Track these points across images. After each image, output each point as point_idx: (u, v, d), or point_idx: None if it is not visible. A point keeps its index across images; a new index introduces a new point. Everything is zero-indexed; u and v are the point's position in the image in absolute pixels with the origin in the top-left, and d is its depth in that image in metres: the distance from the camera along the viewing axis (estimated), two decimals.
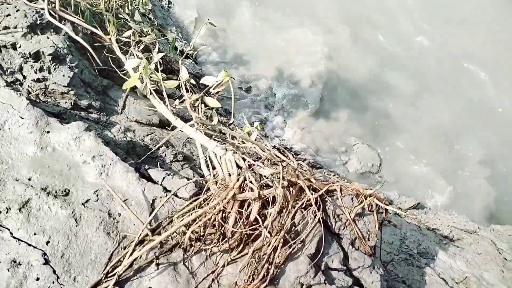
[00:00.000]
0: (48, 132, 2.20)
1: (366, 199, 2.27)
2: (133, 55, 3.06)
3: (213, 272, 1.87)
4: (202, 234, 1.91)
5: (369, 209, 2.32)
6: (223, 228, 1.92)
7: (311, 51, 5.43)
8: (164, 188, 2.13)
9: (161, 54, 2.91)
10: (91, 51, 2.94)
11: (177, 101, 2.86)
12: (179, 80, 2.85)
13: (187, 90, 2.88)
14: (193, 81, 2.89)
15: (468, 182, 4.40)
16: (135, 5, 3.75)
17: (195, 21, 5.24)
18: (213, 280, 1.86)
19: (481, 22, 6.36)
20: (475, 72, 5.59)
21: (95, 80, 3.01)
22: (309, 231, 2.04)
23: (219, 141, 2.48)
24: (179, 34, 4.84)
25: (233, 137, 2.47)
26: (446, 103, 5.15)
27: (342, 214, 2.21)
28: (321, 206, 2.12)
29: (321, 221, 2.11)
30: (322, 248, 2.05)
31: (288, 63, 5.26)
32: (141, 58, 2.87)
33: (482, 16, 6.46)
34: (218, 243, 1.91)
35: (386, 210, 2.37)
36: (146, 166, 2.26)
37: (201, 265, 1.90)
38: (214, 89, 2.64)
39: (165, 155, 2.56)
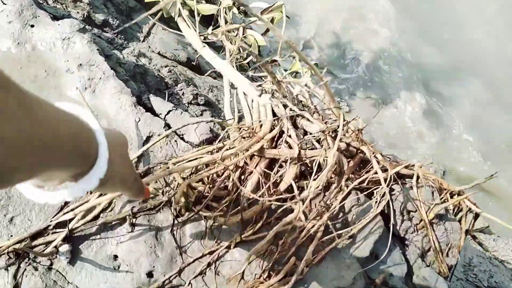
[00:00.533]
0: (32, 26, 1.64)
1: (452, 197, 1.56)
2: None
3: (211, 253, 1.24)
4: (206, 194, 1.27)
5: (455, 212, 1.61)
6: (236, 193, 1.28)
7: (380, 29, 4.65)
8: (167, 125, 1.50)
9: None
10: None
11: (210, 29, 2.23)
12: (219, 5, 2.23)
13: (226, 22, 2.25)
14: (235, 11, 2.25)
15: None
16: None
17: None
18: (209, 265, 1.23)
19: None
20: None
21: None
22: (366, 224, 1.36)
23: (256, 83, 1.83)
24: None
25: (273, 75, 1.80)
26: None
27: (415, 212, 1.50)
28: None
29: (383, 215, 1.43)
30: (380, 254, 1.36)
31: (351, 35, 4.52)
32: None
33: None
34: (227, 213, 1.26)
35: (476, 218, 1.64)
36: (151, 95, 1.64)
37: (196, 240, 1.26)
38: (261, 13, 2.01)
39: (183, 94, 1.94)
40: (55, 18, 1.89)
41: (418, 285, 1.44)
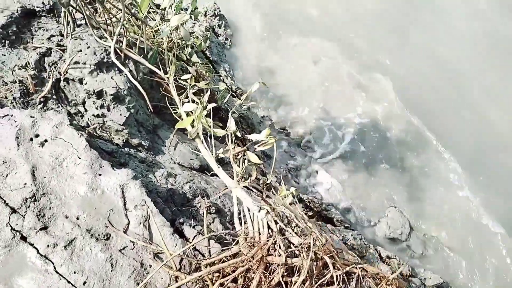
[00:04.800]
0: (100, 174, 2.40)
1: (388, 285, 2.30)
2: (188, 98, 3.25)
3: None
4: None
5: None
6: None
7: (349, 88, 5.56)
8: (194, 247, 2.26)
9: (213, 104, 3.07)
10: (147, 99, 3.11)
11: (221, 150, 3.00)
12: (227, 130, 3.00)
13: (232, 141, 3.03)
14: (238, 134, 3.03)
15: (501, 274, 4.25)
16: (197, 45, 3.98)
17: (246, 59, 5.49)
18: None
19: None
20: None
21: (147, 120, 3.23)
22: None
23: (256, 197, 2.60)
24: (230, 71, 5.06)
25: (268, 197, 2.58)
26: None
27: None
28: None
29: None
30: None
31: (328, 103, 5.38)
32: (197, 104, 3.05)
33: None
34: None
35: None
36: (181, 220, 2.41)
37: None
38: (258, 146, 2.78)
39: (199, 207, 2.71)
40: (111, 155, 2.69)
41: None
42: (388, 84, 5.92)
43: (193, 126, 2.97)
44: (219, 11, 5.51)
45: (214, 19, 5.40)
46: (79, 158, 2.44)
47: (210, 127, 2.98)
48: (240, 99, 4.88)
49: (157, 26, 3.71)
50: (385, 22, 6.64)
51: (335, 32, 6.30)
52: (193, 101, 3.19)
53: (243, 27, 5.94)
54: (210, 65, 4.50)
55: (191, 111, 3.02)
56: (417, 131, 5.38)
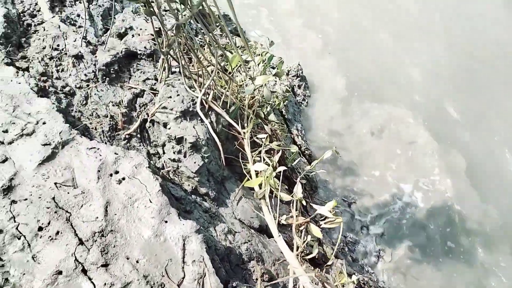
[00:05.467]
0: (166, 222, 2.45)
1: None
2: (260, 157, 3.29)
3: None
4: None
5: None
6: None
7: (421, 158, 5.31)
8: None
9: (284, 168, 3.08)
10: (221, 151, 3.18)
11: (284, 217, 2.97)
12: (293, 196, 2.97)
13: (296, 208, 2.98)
14: (304, 203, 2.99)
15: None
16: (276, 104, 4.08)
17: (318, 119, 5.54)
18: None
19: None
20: None
21: (218, 171, 3.30)
22: None
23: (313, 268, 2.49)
24: (302, 131, 5.09)
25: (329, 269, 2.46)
26: None
27: None
28: None
29: None
30: None
31: (396, 173, 5.17)
32: (268, 165, 3.07)
33: None
34: None
35: None
36: (234, 284, 2.35)
37: None
38: (324, 224, 2.70)
39: (253, 271, 2.64)
40: (179, 201, 2.75)
41: None
42: (462, 162, 5.60)
43: (260, 187, 2.98)
44: (301, 72, 5.66)
45: (295, 79, 5.55)
46: (150, 202, 2.52)
47: (277, 189, 2.97)
48: (308, 161, 4.89)
49: (242, 82, 3.87)
50: (466, 94, 6.42)
51: (413, 97, 6.20)
52: (264, 160, 3.21)
53: (321, 89, 6.02)
54: (285, 124, 4.58)
55: (260, 171, 3.04)
56: (493, 224, 4.95)
